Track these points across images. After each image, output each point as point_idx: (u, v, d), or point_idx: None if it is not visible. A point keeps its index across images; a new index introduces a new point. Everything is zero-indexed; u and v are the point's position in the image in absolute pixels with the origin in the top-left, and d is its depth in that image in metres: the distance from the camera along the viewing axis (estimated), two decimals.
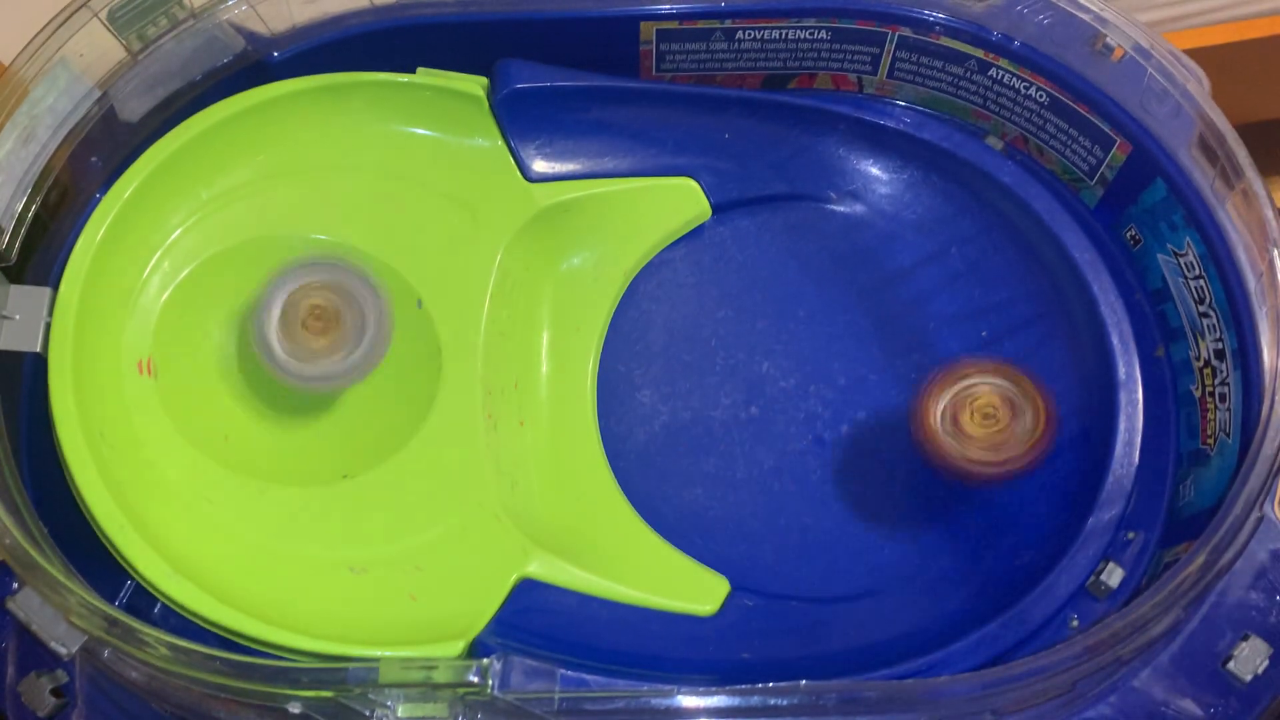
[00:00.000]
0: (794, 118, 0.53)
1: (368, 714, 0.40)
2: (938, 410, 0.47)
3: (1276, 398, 0.43)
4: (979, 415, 0.46)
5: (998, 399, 0.46)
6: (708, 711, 0.40)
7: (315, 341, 0.46)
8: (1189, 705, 0.43)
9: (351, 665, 0.40)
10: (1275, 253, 0.45)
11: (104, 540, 0.43)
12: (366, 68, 0.50)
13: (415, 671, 0.40)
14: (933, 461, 0.47)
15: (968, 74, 0.52)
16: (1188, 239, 0.48)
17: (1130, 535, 0.47)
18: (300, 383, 0.46)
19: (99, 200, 0.47)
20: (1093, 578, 0.46)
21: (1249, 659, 0.43)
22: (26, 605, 0.41)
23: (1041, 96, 0.52)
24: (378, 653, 0.42)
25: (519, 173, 0.52)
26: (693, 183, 0.53)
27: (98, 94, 0.48)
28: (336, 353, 0.47)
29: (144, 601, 0.45)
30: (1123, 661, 0.41)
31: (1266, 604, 0.44)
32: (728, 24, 0.52)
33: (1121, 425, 0.48)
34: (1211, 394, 0.47)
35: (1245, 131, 0.47)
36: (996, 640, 0.45)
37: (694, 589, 0.48)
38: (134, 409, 0.46)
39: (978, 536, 0.49)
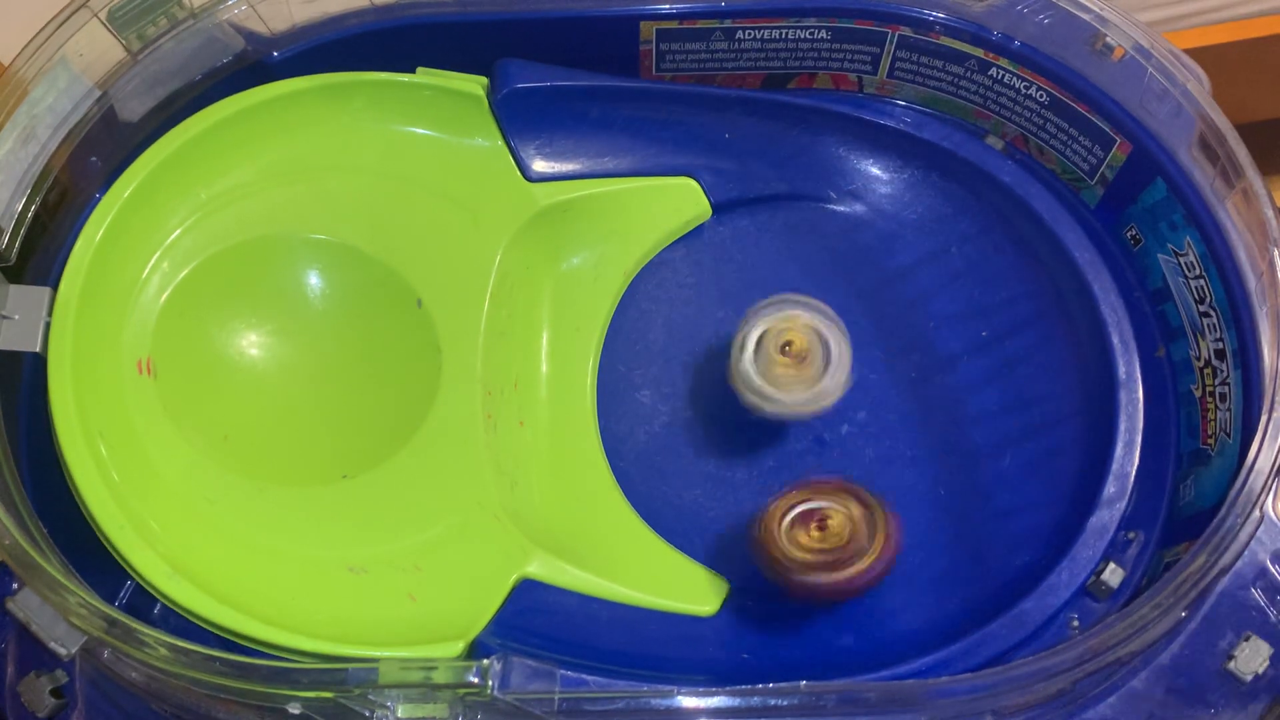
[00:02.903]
0: (794, 117, 0.53)
1: (367, 715, 0.40)
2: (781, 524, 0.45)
3: (1277, 397, 0.43)
4: (815, 533, 0.44)
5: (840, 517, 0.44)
6: (708, 712, 0.40)
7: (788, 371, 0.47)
8: (1189, 705, 0.43)
9: (351, 666, 0.40)
10: (1275, 252, 0.45)
11: (104, 540, 0.43)
12: (366, 67, 0.50)
13: (415, 672, 0.40)
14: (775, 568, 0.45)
15: (968, 73, 0.52)
16: (1188, 238, 0.48)
17: (1130, 535, 0.47)
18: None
19: (98, 200, 0.47)
20: (1093, 578, 0.46)
21: (1249, 659, 0.43)
22: (26, 605, 0.41)
23: (1042, 96, 0.52)
24: (377, 653, 0.42)
25: (519, 172, 0.52)
26: (693, 182, 0.53)
27: (97, 94, 0.48)
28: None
29: (144, 601, 0.45)
30: (1123, 662, 0.41)
31: (1266, 604, 0.44)
32: (728, 23, 0.52)
33: (1122, 425, 0.48)
34: (1212, 394, 0.47)
35: (1245, 131, 0.47)
36: (996, 640, 0.45)
37: (694, 589, 0.48)
38: (133, 409, 0.46)
39: (978, 536, 0.49)
